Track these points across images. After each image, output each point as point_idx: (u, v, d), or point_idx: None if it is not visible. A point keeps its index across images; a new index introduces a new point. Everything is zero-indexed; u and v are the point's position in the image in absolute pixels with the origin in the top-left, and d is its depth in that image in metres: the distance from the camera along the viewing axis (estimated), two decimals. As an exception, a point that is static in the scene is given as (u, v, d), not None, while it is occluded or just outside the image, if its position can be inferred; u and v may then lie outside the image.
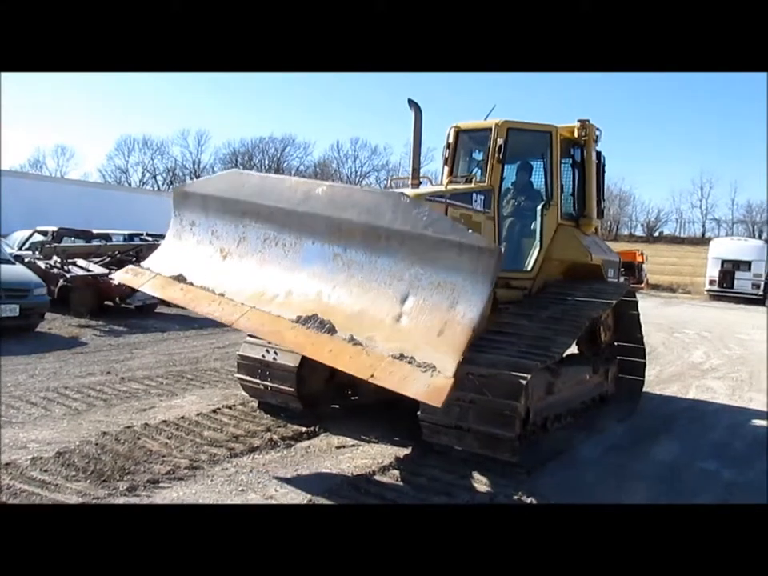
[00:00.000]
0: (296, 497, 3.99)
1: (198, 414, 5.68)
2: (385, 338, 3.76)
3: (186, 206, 5.19)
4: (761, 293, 28.10)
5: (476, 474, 4.51)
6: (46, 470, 4.19)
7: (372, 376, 3.57)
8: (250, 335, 5.86)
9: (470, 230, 4.08)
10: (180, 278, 4.79)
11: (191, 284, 4.71)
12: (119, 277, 5.28)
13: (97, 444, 4.73)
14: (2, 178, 20.55)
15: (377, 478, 4.42)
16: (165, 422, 5.41)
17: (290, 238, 4.50)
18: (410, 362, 3.55)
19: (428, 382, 3.43)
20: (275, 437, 5.16)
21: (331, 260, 4.25)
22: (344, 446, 5.09)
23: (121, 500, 3.84)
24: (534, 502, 4.13)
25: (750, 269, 28.67)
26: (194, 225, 5.10)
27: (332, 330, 3.90)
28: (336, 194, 4.36)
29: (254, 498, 3.99)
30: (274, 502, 3.94)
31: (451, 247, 3.77)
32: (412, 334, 3.73)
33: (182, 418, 5.55)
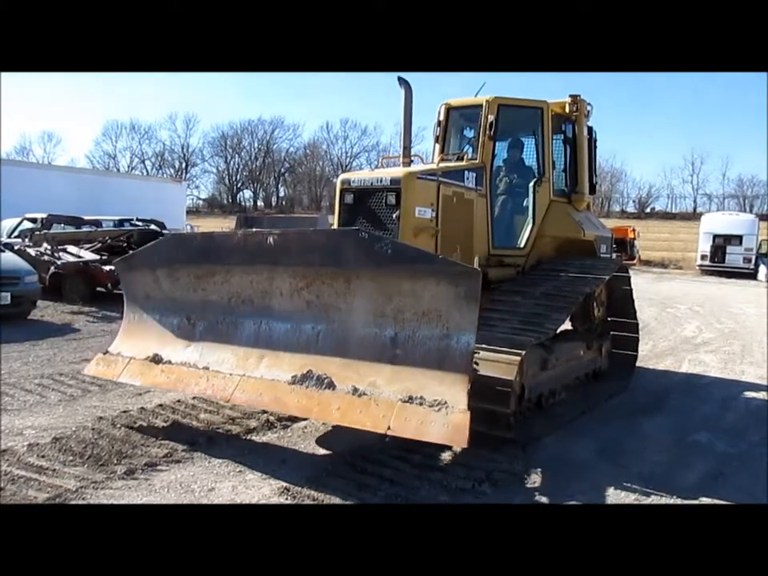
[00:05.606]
0: (293, 477, 4.01)
1: (194, 398, 5.68)
2: (387, 381, 3.70)
3: (134, 280, 5.04)
4: (752, 267, 28.21)
5: (472, 450, 4.52)
6: (43, 456, 4.19)
7: (389, 429, 3.52)
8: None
9: (440, 256, 3.99)
10: (156, 359, 4.63)
11: (169, 362, 4.57)
12: (91, 371, 4.98)
13: (93, 429, 4.73)
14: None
15: (373, 456, 4.44)
16: (161, 405, 5.42)
17: (255, 293, 4.37)
18: (420, 404, 3.49)
19: (445, 422, 3.38)
20: (272, 418, 5.16)
21: (306, 308, 4.16)
22: (340, 426, 5.09)
23: (119, 483, 3.86)
24: (529, 476, 4.17)
25: (741, 243, 28.71)
26: (149, 297, 4.93)
27: (331, 385, 3.82)
28: (290, 241, 4.20)
29: (252, 479, 4.01)
30: (272, 482, 3.96)
31: (427, 276, 3.67)
32: (413, 370, 3.67)
33: (179, 401, 5.55)
